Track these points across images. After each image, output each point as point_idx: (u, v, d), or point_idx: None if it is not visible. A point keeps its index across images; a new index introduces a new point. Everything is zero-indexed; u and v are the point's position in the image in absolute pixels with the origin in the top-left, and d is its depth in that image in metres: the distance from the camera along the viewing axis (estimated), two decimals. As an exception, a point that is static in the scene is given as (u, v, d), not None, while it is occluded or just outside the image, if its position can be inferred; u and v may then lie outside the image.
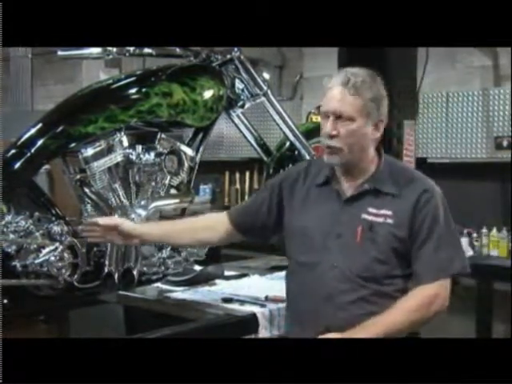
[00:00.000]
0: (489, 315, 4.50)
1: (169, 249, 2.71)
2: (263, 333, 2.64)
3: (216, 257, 3.21)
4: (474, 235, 4.71)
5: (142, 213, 2.58)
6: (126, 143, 2.57)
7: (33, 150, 2.41)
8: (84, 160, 2.50)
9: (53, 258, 2.39)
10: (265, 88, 2.99)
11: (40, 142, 2.43)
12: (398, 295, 2.03)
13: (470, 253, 4.54)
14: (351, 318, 2.00)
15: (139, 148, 2.61)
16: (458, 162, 4.84)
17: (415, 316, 1.99)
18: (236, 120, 3.09)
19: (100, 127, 2.48)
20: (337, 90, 2.02)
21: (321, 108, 2.08)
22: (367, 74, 2.04)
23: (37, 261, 2.37)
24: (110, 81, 2.70)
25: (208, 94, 2.75)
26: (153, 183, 2.65)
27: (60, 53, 2.60)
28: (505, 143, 4.59)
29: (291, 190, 2.20)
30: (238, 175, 6.29)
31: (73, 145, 2.49)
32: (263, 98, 3.02)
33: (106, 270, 2.52)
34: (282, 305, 2.50)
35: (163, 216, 2.66)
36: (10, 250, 2.34)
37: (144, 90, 2.59)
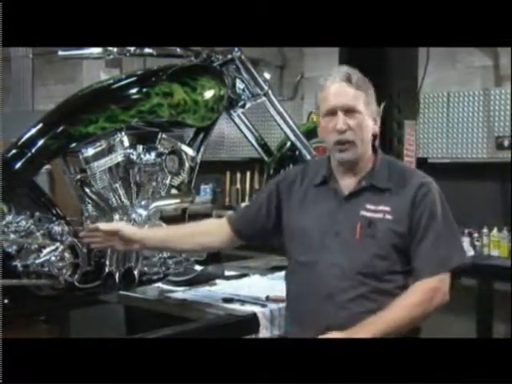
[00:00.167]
0: (489, 315, 4.50)
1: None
2: (264, 333, 2.63)
3: (216, 257, 3.20)
4: (475, 235, 4.71)
5: (143, 213, 2.58)
6: (126, 143, 2.57)
7: (33, 150, 2.41)
8: (84, 160, 2.50)
9: (53, 258, 2.38)
10: (265, 88, 2.99)
11: (40, 142, 2.43)
12: (397, 292, 2.03)
13: (470, 253, 4.54)
14: (351, 316, 2.00)
15: (140, 148, 2.61)
16: (458, 162, 4.83)
17: (416, 311, 2.00)
18: (237, 120, 3.09)
19: (101, 127, 2.48)
20: (341, 86, 2.06)
21: (323, 106, 2.10)
22: (358, 71, 2.11)
23: (37, 261, 2.37)
24: (111, 81, 2.70)
25: (209, 93, 2.75)
26: (153, 183, 2.65)
27: (60, 53, 2.60)
28: (506, 143, 4.59)
29: (289, 192, 2.21)
30: (238, 175, 6.29)
31: (73, 145, 2.48)
32: (264, 98, 3.02)
33: (107, 269, 2.52)
34: (283, 305, 2.49)
35: (164, 216, 2.66)
36: (10, 250, 2.33)
37: (145, 90, 2.59)
